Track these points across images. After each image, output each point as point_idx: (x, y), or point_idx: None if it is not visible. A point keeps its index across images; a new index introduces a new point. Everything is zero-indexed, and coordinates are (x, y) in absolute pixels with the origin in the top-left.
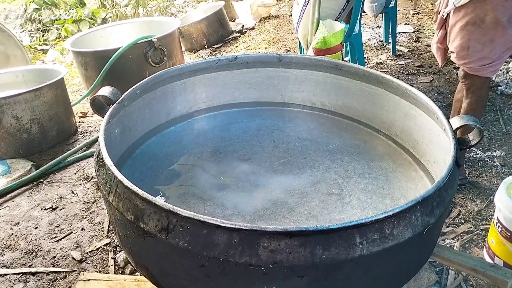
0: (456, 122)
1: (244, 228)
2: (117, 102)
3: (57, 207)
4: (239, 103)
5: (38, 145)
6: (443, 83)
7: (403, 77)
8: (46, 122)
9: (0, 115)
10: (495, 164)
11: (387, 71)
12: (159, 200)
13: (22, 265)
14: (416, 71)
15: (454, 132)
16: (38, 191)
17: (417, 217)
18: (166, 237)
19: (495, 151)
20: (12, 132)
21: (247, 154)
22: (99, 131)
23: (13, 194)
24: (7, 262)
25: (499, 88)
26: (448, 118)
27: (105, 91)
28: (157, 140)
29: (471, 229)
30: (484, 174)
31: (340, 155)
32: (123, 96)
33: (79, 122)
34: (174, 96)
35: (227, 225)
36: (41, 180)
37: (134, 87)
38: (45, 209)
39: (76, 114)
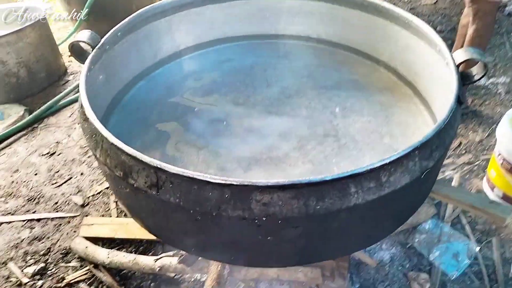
0: (460, 55)
1: (235, 183)
2: (97, 47)
3: (55, 153)
4: (230, 37)
5: (28, 88)
6: (448, 5)
7: None
8: (33, 65)
9: None
10: (499, 91)
11: None
12: (146, 157)
13: (26, 211)
14: None
15: (457, 66)
16: (34, 136)
17: (415, 163)
18: (157, 193)
19: (500, 78)
20: (0, 77)
21: (240, 96)
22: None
23: (9, 140)
24: (11, 210)
25: (507, 9)
26: (452, 46)
27: (83, 36)
28: (145, 84)
29: (471, 159)
30: (487, 102)
31: (337, 91)
32: (103, 40)
33: (68, 62)
34: (160, 35)
35: (217, 181)
36: (35, 125)
37: (114, 29)
38: (43, 155)
39: (64, 54)
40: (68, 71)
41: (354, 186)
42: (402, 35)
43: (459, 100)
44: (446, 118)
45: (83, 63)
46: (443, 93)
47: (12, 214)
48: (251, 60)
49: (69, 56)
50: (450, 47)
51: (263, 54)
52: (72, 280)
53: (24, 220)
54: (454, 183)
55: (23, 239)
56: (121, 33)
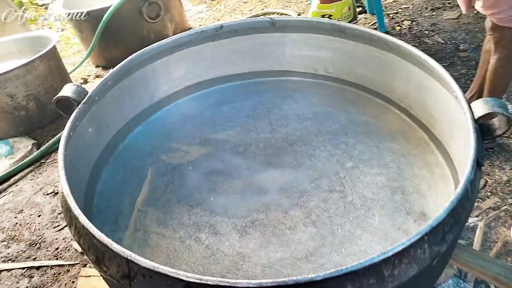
0: (479, 108)
1: (211, 283)
2: (82, 102)
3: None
4: (232, 75)
5: (38, 121)
6: (472, 20)
7: (427, 13)
8: (42, 97)
9: None
10: None
11: (409, 6)
12: (117, 246)
13: (27, 258)
14: (441, 5)
15: (476, 121)
16: (40, 173)
17: (424, 250)
18: (129, 285)
19: None
20: (9, 111)
21: (240, 143)
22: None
23: (16, 178)
24: (12, 255)
25: None
26: (476, 67)
27: (68, 90)
28: (142, 131)
29: (498, 203)
30: None
31: (344, 137)
32: (90, 93)
33: None
34: (156, 77)
35: (190, 280)
36: (43, 161)
37: (104, 78)
38: (47, 194)
39: (76, 81)
40: None
41: (351, 285)
42: (415, 73)
43: (479, 162)
44: (462, 191)
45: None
46: (463, 141)
47: (13, 261)
48: (254, 100)
49: (81, 83)
50: (475, 68)
51: (267, 93)
52: None
53: (24, 268)
54: (477, 233)
55: None
56: (112, 81)
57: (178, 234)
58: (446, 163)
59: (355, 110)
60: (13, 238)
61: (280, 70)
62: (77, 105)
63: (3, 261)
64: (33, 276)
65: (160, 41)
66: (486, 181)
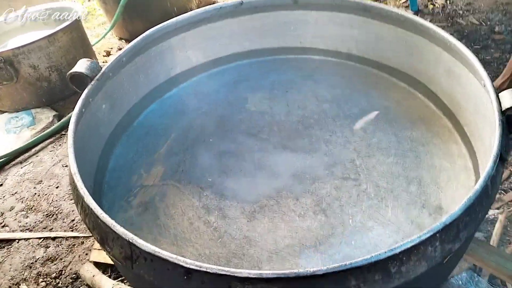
0: (508, 99)
1: (211, 271)
2: (95, 78)
3: None
4: (250, 51)
5: (60, 92)
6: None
7: None
8: (64, 68)
9: (17, 65)
10: None
11: None
12: (120, 228)
13: (44, 228)
14: None
15: (503, 113)
16: (60, 144)
17: (435, 248)
18: (131, 267)
19: None
20: (32, 82)
21: (255, 125)
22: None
23: (37, 148)
24: (30, 225)
25: None
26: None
27: (81, 66)
28: (157, 108)
29: None
30: None
31: (363, 123)
32: (103, 69)
33: (103, 62)
34: (173, 54)
35: (191, 266)
36: (63, 132)
37: (119, 54)
38: (65, 166)
39: (99, 53)
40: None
41: (355, 280)
42: (443, 58)
43: (502, 157)
44: (480, 188)
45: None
46: (488, 133)
47: (30, 231)
48: (272, 79)
49: (104, 56)
50: (509, 52)
51: (286, 72)
52: None
53: (40, 238)
54: (497, 226)
55: (38, 259)
56: (127, 57)
57: (186, 216)
58: (469, 155)
59: (377, 94)
60: (31, 208)
61: (300, 47)
62: (91, 81)
63: (21, 230)
64: (49, 247)
65: (178, 17)
66: (511, 172)
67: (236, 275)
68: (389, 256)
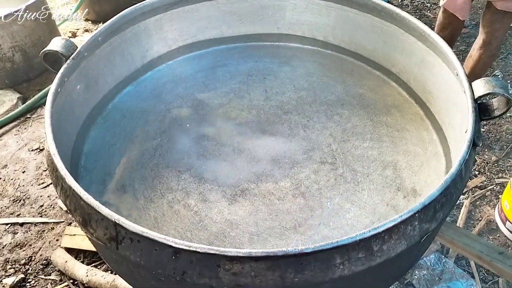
0: (480, 87)
1: (200, 251)
2: (71, 57)
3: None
4: (227, 37)
5: (24, 74)
6: None
7: None
8: (29, 49)
9: None
10: None
11: None
12: (104, 209)
13: (11, 214)
14: None
15: (476, 101)
16: (25, 128)
17: (414, 227)
18: (116, 249)
19: None
20: None
21: (233, 109)
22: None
23: (0, 131)
24: None
25: None
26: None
27: (56, 44)
28: (132, 90)
29: (485, 183)
30: (508, 115)
31: (339, 109)
32: (79, 48)
33: None
34: (149, 35)
35: (180, 246)
36: (28, 116)
37: (94, 34)
38: (32, 150)
39: (65, 34)
40: None
41: (340, 257)
42: (418, 48)
43: (475, 143)
44: (456, 170)
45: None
46: (459, 122)
47: None
48: (249, 65)
49: (69, 37)
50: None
51: (263, 58)
52: None
53: (7, 224)
54: (462, 211)
55: (5, 245)
56: (102, 37)
57: (166, 199)
58: (440, 141)
59: (353, 81)
60: None
61: (278, 33)
62: (66, 60)
63: None
64: (17, 233)
65: None
66: (475, 160)
67: (225, 253)
68: (373, 234)
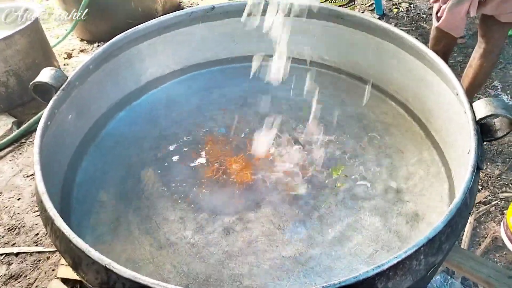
0: (482, 108)
1: None
2: (61, 88)
3: None
4: (222, 59)
5: (18, 98)
6: None
7: None
8: (23, 73)
9: None
10: None
11: None
12: (95, 253)
13: (5, 243)
14: None
15: (477, 123)
16: (20, 153)
17: (419, 262)
18: None
19: None
20: None
21: (228, 135)
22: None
23: None
24: None
25: None
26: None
27: (45, 75)
28: (126, 116)
29: (488, 198)
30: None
31: (338, 130)
32: (69, 78)
33: (64, 65)
34: (142, 60)
35: None
36: (23, 140)
37: (84, 62)
38: (27, 176)
39: (60, 55)
40: None
41: None
42: (415, 66)
43: (478, 167)
44: (460, 201)
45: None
46: (460, 142)
47: None
48: (245, 86)
49: (65, 58)
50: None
51: (258, 79)
52: None
53: (2, 254)
54: (467, 228)
55: (0, 277)
56: (94, 65)
57: (162, 231)
58: (441, 161)
59: (350, 100)
60: None
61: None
62: (55, 92)
63: None
64: (12, 263)
65: (147, 22)
66: None
67: None
68: (377, 272)
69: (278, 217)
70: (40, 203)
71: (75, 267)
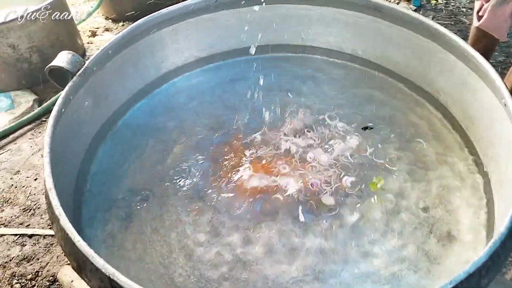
0: None
1: None
2: (77, 74)
3: None
4: (248, 48)
5: (41, 75)
6: None
7: None
8: (47, 50)
9: None
10: None
11: None
12: (99, 259)
13: (20, 224)
14: None
15: None
16: (40, 132)
17: None
18: None
19: None
20: (11, 62)
21: (250, 129)
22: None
23: (15, 134)
24: (6, 220)
25: None
26: None
27: (62, 59)
28: (145, 105)
29: None
30: None
31: (368, 133)
32: (87, 64)
33: (88, 43)
34: (164, 46)
35: None
36: (44, 119)
37: (104, 47)
38: None
39: (84, 33)
40: (86, 53)
41: None
42: (458, 68)
43: None
44: (505, 231)
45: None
46: (504, 154)
47: (5, 226)
48: (270, 78)
49: (89, 36)
50: None
51: (285, 71)
52: None
53: (16, 235)
54: None
55: (13, 258)
56: (113, 50)
57: (174, 231)
58: (481, 175)
59: (382, 100)
60: (8, 201)
61: (302, 45)
62: (72, 77)
63: None
64: (25, 245)
65: (169, 7)
66: None
67: None
68: None
69: (298, 227)
70: (47, 199)
71: (79, 271)
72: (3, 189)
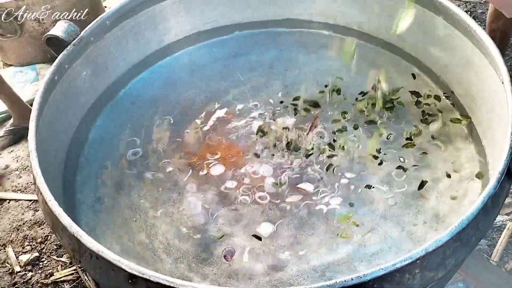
0: None
1: (153, 280)
2: (72, 43)
3: None
4: (252, 22)
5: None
6: None
7: None
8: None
9: (20, 18)
10: None
11: None
12: (66, 218)
13: (35, 191)
14: None
15: None
16: None
17: (413, 276)
18: (78, 262)
19: None
20: (37, 36)
21: (248, 106)
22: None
23: None
24: (22, 186)
25: None
26: None
27: (58, 28)
28: (146, 77)
29: None
30: None
31: (371, 114)
32: (82, 34)
33: None
34: (166, 19)
35: (134, 272)
36: None
37: (101, 17)
38: None
39: (109, 8)
40: None
41: None
42: (462, 44)
43: (509, 172)
44: (476, 211)
45: None
46: (500, 139)
47: (22, 192)
48: (273, 54)
49: None
50: None
51: (289, 47)
52: (59, 278)
53: (30, 200)
54: (503, 234)
55: (26, 222)
56: (111, 21)
57: (160, 201)
58: (481, 158)
59: (386, 79)
60: (26, 168)
61: (308, 20)
62: (67, 46)
63: (13, 190)
64: (38, 210)
65: None
66: None
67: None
68: (358, 283)
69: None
70: (37, 187)
71: (53, 229)
72: (23, 157)
